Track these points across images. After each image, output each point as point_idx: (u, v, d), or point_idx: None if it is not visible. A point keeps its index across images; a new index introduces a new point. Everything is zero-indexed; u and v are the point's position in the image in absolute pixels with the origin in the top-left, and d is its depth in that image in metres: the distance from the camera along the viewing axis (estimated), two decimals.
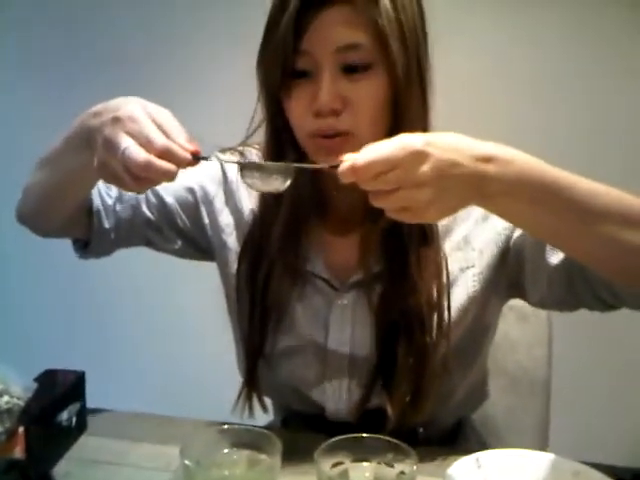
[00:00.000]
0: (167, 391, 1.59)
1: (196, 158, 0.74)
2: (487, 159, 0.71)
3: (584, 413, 1.79)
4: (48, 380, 0.98)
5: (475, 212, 0.96)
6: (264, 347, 1.01)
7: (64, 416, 0.95)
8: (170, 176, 0.72)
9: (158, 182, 0.75)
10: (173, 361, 1.89)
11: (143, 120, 0.73)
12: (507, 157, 0.72)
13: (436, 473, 0.79)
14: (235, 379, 1.05)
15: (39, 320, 1.94)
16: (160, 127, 0.74)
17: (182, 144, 0.73)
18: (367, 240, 0.95)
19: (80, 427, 0.99)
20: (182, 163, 0.72)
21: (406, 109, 0.87)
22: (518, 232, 0.94)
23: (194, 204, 1.05)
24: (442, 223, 0.95)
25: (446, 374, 0.94)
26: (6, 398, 0.78)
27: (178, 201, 1.05)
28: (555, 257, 0.88)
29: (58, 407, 0.94)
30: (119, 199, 1.03)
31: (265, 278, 0.98)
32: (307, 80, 0.86)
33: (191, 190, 1.05)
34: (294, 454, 0.80)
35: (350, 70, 0.84)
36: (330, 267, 0.99)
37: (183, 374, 1.82)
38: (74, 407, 0.98)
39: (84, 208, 1.01)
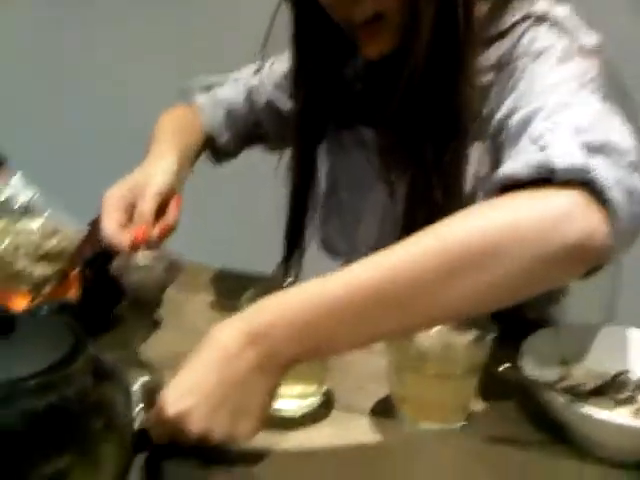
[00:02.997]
0: (230, 243, 1.56)
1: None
2: (251, 342, 0.59)
3: None
4: None
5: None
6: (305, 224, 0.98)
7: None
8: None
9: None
10: (240, 210, 1.84)
11: (109, 206, 0.80)
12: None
13: (512, 344, 0.73)
14: None
15: (99, 164, 1.91)
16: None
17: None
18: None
19: None
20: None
21: None
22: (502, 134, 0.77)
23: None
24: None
25: None
26: (57, 239, 0.74)
27: (277, 93, 1.03)
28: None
29: (114, 251, 0.91)
30: (228, 117, 1.04)
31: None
32: None
33: (286, 76, 1.00)
34: None
35: None
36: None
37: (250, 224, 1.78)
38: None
39: None
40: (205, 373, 0.59)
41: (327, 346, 0.61)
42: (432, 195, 0.81)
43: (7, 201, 0.75)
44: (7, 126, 1.62)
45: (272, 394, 0.62)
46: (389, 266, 0.59)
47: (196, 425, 0.58)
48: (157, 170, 0.85)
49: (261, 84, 1.04)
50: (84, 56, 1.97)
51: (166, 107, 1.02)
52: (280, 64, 1.02)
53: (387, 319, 0.59)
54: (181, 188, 0.88)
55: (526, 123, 0.68)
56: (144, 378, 0.65)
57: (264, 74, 1.04)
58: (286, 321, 0.59)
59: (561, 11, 0.79)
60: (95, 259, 0.86)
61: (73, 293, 0.79)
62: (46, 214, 0.76)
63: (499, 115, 0.78)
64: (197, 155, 0.98)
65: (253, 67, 1.05)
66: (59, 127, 1.94)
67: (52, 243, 0.74)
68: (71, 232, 0.76)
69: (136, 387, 0.63)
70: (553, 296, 1.03)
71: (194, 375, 0.60)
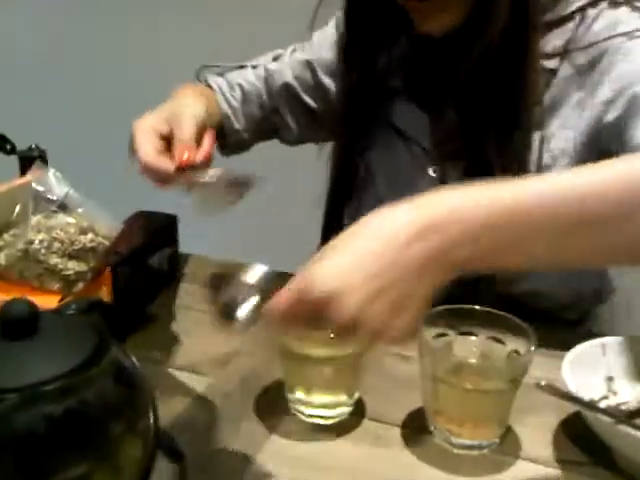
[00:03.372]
0: (264, 240, 1.55)
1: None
2: (420, 237, 0.52)
3: None
4: (139, 221, 0.93)
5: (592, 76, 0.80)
6: (343, 212, 0.96)
7: (155, 260, 0.91)
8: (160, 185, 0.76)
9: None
10: (275, 207, 1.83)
11: (144, 132, 0.77)
12: (446, 208, 0.53)
13: (554, 356, 0.70)
14: None
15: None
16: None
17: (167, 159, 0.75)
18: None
19: (172, 272, 0.96)
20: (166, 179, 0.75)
21: None
22: (611, 114, 0.77)
23: (313, 78, 1.00)
24: (555, 94, 0.81)
25: None
26: (90, 236, 0.74)
27: (298, 80, 1.00)
28: None
29: (148, 250, 0.90)
30: (244, 100, 1.01)
31: (362, 129, 0.93)
32: None
33: (308, 64, 1.00)
34: None
35: None
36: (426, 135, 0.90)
37: (284, 223, 1.77)
38: (165, 251, 0.94)
39: None
40: (364, 255, 0.52)
41: (496, 256, 0.55)
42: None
43: (42, 196, 0.74)
44: (41, 122, 1.64)
45: (430, 296, 0.54)
46: (581, 189, 0.54)
47: (348, 309, 0.51)
48: (188, 101, 0.83)
49: (281, 69, 1.01)
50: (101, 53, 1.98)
51: None
52: (302, 53, 1.00)
53: (559, 242, 0.54)
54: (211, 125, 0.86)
55: None
56: (263, 268, 0.60)
57: (285, 60, 1.01)
58: (464, 219, 0.53)
59: None
60: (130, 257, 0.86)
61: (105, 291, 0.79)
62: (80, 210, 0.75)
63: (600, 99, 0.77)
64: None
65: (270, 55, 1.03)
66: (92, 125, 1.95)
67: (86, 240, 0.73)
68: (105, 229, 0.75)
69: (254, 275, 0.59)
70: (601, 294, 0.99)
71: (350, 256, 0.52)
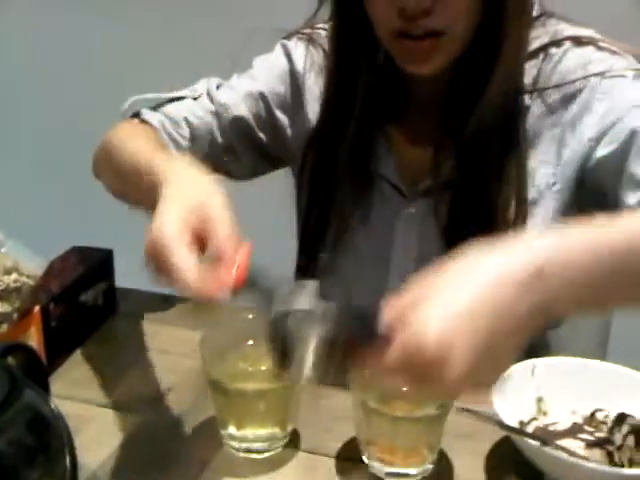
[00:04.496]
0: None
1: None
2: (530, 286, 0.50)
3: None
4: (73, 257, 0.92)
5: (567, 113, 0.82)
6: (317, 259, 0.91)
7: (89, 295, 0.90)
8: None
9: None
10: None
11: (174, 242, 0.57)
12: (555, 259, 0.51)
13: None
14: None
15: (65, 196, 1.87)
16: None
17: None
18: (442, 144, 0.83)
19: (108, 307, 0.95)
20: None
21: None
22: (604, 149, 0.78)
23: (267, 113, 0.94)
24: (531, 129, 0.82)
25: None
26: (14, 276, 0.72)
27: (252, 114, 0.93)
28: (633, 197, 0.74)
29: (81, 285, 0.89)
30: (193, 138, 0.91)
31: (329, 177, 0.88)
32: None
33: (262, 97, 0.93)
34: None
35: None
36: (400, 172, 0.88)
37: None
38: (100, 286, 0.92)
39: None
40: (477, 307, 0.48)
41: (596, 300, 0.54)
42: (490, 208, 0.81)
43: None
44: None
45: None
46: None
47: (460, 371, 0.47)
48: (202, 180, 0.64)
49: (233, 102, 0.92)
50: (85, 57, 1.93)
51: None
52: (251, 83, 0.93)
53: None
54: None
55: None
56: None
57: (237, 91, 0.92)
58: (566, 265, 0.50)
59: (593, 33, 0.82)
60: (62, 294, 0.84)
61: (34, 332, 0.77)
62: (4, 249, 0.74)
63: (586, 136, 0.79)
64: None
65: (204, 83, 0.94)
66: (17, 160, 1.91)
67: (10, 280, 0.72)
68: (30, 268, 0.74)
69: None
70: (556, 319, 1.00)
71: (463, 301, 0.48)
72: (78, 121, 1.66)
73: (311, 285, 0.55)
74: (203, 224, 0.58)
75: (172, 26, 1.84)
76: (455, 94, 0.82)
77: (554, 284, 0.50)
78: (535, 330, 0.51)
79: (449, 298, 0.50)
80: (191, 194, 0.61)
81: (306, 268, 0.94)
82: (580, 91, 0.80)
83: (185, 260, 0.56)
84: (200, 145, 0.91)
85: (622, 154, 0.76)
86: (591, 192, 0.81)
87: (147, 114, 0.90)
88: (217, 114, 0.92)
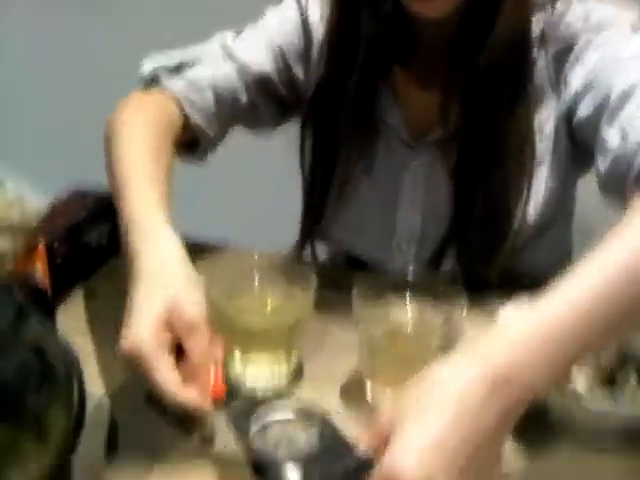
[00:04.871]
0: (216, 216, 1.52)
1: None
2: (493, 392, 0.50)
3: None
4: (77, 198, 0.92)
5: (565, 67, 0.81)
6: (322, 210, 0.91)
7: (93, 236, 0.90)
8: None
9: None
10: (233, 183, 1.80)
11: (150, 356, 0.59)
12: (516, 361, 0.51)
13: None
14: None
15: (71, 135, 1.87)
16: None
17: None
18: (451, 88, 0.82)
19: (112, 248, 0.95)
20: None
21: None
22: (584, 107, 0.77)
23: (285, 67, 0.92)
24: (538, 84, 0.82)
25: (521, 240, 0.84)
26: (19, 211, 0.72)
27: (272, 67, 0.91)
28: (602, 164, 0.72)
29: (86, 226, 0.89)
30: (217, 103, 0.88)
31: (334, 128, 0.87)
32: None
33: (280, 50, 0.91)
34: (332, 290, 0.73)
35: None
36: (407, 122, 0.87)
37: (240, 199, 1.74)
38: (105, 227, 0.92)
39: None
40: (445, 431, 0.49)
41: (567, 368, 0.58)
42: (500, 157, 0.80)
43: None
44: None
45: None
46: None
47: None
48: (175, 273, 0.65)
49: (254, 57, 0.90)
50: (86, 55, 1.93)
51: None
52: (266, 35, 0.91)
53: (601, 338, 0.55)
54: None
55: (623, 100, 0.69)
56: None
57: (257, 44, 0.90)
58: (531, 359, 0.51)
59: None
60: (67, 233, 0.85)
61: (40, 267, 0.78)
62: (8, 185, 0.73)
63: (573, 87, 0.78)
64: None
65: (222, 37, 0.92)
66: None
67: (14, 215, 0.72)
68: (35, 205, 0.74)
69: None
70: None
71: (432, 431, 0.50)
72: (78, 121, 1.66)
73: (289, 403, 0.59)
74: (179, 330, 0.61)
75: (172, 26, 1.81)
76: (464, 34, 0.80)
77: (521, 381, 0.51)
78: (510, 429, 0.52)
79: (418, 426, 0.50)
80: (165, 295, 0.62)
81: (311, 220, 0.94)
82: (576, 43, 0.78)
83: (167, 376, 0.59)
84: (224, 107, 0.89)
85: (597, 114, 0.74)
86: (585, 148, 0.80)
87: (168, 81, 0.87)
88: (240, 73, 0.89)
